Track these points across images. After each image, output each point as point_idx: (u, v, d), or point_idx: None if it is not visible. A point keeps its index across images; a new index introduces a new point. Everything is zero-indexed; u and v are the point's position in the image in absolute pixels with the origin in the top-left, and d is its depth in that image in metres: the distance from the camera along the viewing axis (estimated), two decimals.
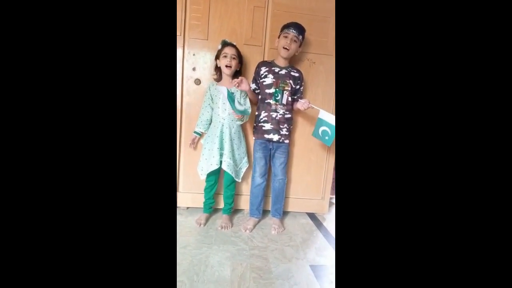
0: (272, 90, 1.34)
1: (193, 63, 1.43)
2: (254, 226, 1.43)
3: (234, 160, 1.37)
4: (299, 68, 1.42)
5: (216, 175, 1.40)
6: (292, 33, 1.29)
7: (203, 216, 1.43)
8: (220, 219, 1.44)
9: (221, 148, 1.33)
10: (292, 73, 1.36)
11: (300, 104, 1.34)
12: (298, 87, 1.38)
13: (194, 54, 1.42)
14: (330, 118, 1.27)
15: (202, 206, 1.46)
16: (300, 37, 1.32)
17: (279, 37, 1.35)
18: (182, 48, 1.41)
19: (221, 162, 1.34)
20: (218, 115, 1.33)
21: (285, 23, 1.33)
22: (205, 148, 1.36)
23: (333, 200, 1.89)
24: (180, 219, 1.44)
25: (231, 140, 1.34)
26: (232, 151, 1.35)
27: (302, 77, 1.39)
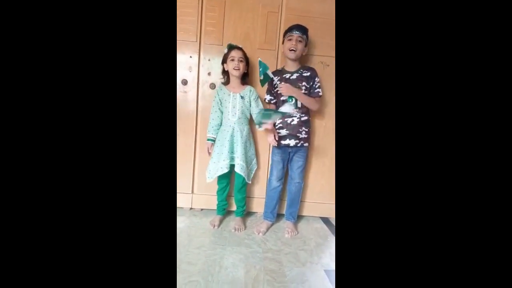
0: (285, 97, 1.35)
1: (208, 68, 1.47)
2: (268, 229, 1.42)
3: (246, 162, 1.37)
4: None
5: (228, 177, 1.42)
6: (295, 34, 1.30)
7: (216, 218, 1.44)
8: (233, 221, 1.45)
9: (232, 151, 1.34)
10: (304, 74, 1.36)
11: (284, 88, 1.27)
12: (312, 84, 1.36)
13: (209, 60, 1.46)
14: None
15: (216, 208, 1.48)
16: (304, 36, 1.32)
17: (283, 43, 1.37)
18: (198, 53, 1.45)
19: (231, 166, 1.34)
20: (229, 119, 1.35)
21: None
22: (214, 152, 1.37)
23: None
24: (195, 220, 1.46)
25: (243, 142, 1.34)
26: (245, 153, 1.36)
27: (316, 74, 1.37)
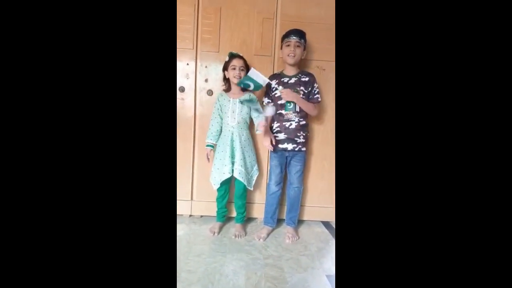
0: (283, 101, 1.35)
1: (205, 75, 1.48)
2: (268, 235, 1.41)
3: (246, 168, 1.37)
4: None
5: (227, 184, 1.41)
6: (293, 39, 1.31)
7: (216, 224, 1.43)
8: (233, 227, 1.44)
9: (232, 156, 1.35)
10: (302, 79, 1.36)
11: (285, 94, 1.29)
12: (310, 89, 1.37)
13: (206, 66, 1.47)
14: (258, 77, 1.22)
15: (215, 215, 1.47)
16: (302, 40, 1.33)
17: (281, 48, 1.37)
18: (195, 61, 1.46)
19: (232, 170, 1.35)
20: (228, 124, 1.36)
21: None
22: (216, 158, 1.38)
23: None
24: (194, 227, 1.44)
25: (241, 148, 1.35)
26: (244, 159, 1.36)
27: (314, 79, 1.38)
